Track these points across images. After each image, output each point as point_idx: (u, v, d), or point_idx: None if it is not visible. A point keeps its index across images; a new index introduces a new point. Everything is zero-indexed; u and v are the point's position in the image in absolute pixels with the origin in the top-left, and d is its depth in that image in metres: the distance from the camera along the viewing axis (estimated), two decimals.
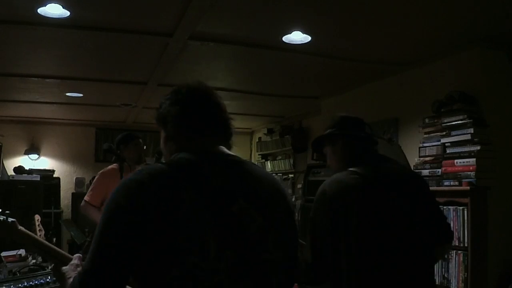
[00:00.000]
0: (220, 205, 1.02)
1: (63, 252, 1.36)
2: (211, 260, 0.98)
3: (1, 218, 1.33)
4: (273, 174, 1.41)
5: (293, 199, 5.86)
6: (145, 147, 3.38)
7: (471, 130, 2.97)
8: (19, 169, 6.47)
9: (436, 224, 1.72)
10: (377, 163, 1.70)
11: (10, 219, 1.34)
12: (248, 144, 8.50)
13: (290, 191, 6.48)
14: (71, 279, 1.12)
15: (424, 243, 1.59)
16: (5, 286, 2.07)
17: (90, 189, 3.41)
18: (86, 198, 3.31)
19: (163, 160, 1.27)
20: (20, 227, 1.36)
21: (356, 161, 1.66)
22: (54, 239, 5.53)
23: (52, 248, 1.35)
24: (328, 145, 1.79)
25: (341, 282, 1.50)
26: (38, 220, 2.71)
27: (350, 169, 1.62)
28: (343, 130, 1.76)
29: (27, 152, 7.11)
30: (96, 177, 3.42)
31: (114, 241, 0.97)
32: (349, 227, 1.49)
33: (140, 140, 3.34)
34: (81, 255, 1.30)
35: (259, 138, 7.93)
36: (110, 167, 3.38)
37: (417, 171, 3.29)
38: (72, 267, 1.23)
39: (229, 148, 1.20)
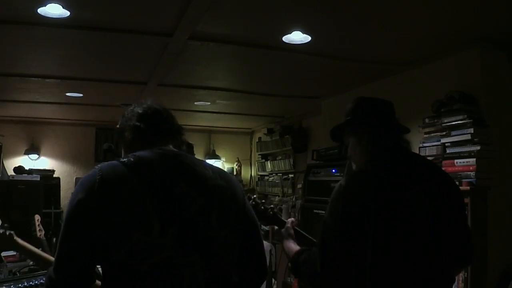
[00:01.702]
0: (162, 189, 1.20)
1: None
2: (155, 236, 1.14)
3: (1, 231, 1.41)
4: (219, 166, 1.54)
5: (293, 199, 5.86)
6: None
7: (471, 130, 2.97)
8: (19, 169, 6.48)
9: (461, 243, 1.55)
10: (407, 162, 1.52)
11: (8, 232, 1.44)
12: (248, 144, 8.50)
13: (290, 191, 6.48)
14: None
15: (446, 261, 1.44)
16: (5, 286, 2.07)
17: None
18: None
19: None
20: (16, 238, 1.46)
21: (383, 158, 1.50)
22: (54, 239, 5.54)
23: (48, 258, 1.44)
24: (351, 135, 1.60)
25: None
26: (38, 220, 2.71)
27: (373, 166, 1.47)
28: (369, 118, 1.56)
29: (27, 152, 7.11)
30: None
31: (76, 233, 1.17)
32: (364, 234, 1.35)
33: None
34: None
35: (259, 138, 7.93)
36: None
37: None
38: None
39: (173, 143, 1.41)
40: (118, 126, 1.46)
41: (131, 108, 1.46)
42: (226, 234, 1.27)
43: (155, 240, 1.14)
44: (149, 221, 1.15)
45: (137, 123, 1.39)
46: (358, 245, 1.37)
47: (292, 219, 1.83)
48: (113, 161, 1.25)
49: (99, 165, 1.24)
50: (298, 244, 1.71)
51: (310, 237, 1.78)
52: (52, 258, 1.42)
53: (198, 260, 1.18)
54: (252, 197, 1.77)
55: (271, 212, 1.80)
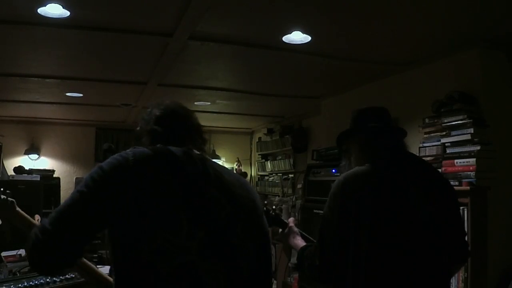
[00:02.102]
0: (194, 190, 1.14)
1: None
2: (183, 237, 1.07)
3: (2, 197, 1.40)
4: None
5: (293, 199, 5.86)
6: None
7: (471, 130, 2.97)
8: (19, 169, 6.47)
9: (457, 241, 1.59)
10: (405, 162, 1.58)
11: (10, 199, 1.42)
12: (248, 144, 8.50)
13: (290, 191, 6.48)
14: None
15: (441, 255, 1.48)
16: (5, 286, 2.07)
17: None
18: None
19: None
20: (18, 208, 1.43)
21: (381, 157, 1.56)
22: None
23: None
24: (352, 142, 1.69)
25: (347, 283, 1.43)
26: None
27: (372, 165, 1.52)
28: (359, 125, 1.66)
29: (27, 152, 7.11)
30: None
31: (88, 202, 1.09)
32: (360, 227, 1.41)
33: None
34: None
35: (259, 138, 7.93)
36: None
37: None
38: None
39: (196, 147, 1.35)
40: (138, 129, 1.42)
41: (149, 110, 1.41)
42: (248, 246, 1.21)
43: (181, 242, 1.07)
44: (179, 221, 1.08)
45: (155, 127, 1.34)
46: (355, 239, 1.41)
47: (292, 218, 1.86)
48: (144, 148, 1.19)
49: (130, 149, 1.18)
50: None
51: (309, 237, 1.80)
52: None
53: (221, 268, 1.12)
54: None
55: (273, 214, 1.82)
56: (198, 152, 1.30)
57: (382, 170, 1.50)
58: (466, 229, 2.82)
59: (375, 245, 1.40)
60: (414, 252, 1.43)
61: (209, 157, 1.33)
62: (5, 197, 1.41)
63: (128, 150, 1.17)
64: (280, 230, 1.81)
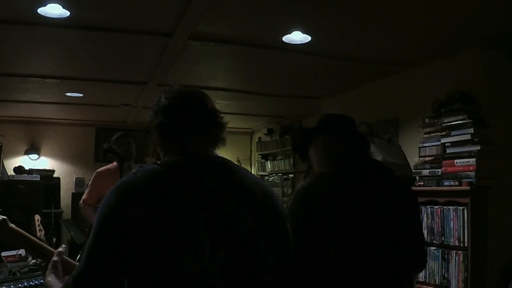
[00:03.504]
0: (212, 206, 1.03)
1: (54, 250, 1.30)
2: (205, 260, 0.98)
3: None
4: (259, 177, 1.41)
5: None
6: (133, 145, 3.44)
7: (471, 130, 2.97)
8: (19, 169, 6.48)
9: (414, 245, 1.58)
10: (366, 167, 1.59)
11: (0, 217, 1.30)
12: (248, 144, 8.50)
13: (290, 191, 6.48)
14: (48, 281, 1.13)
15: (399, 260, 1.49)
16: (5, 286, 2.07)
17: (87, 188, 3.59)
18: (83, 197, 3.48)
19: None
20: (11, 225, 1.31)
21: (338, 163, 1.56)
22: (54, 239, 5.54)
23: (44, 247, 1.31)
24: (311, 145, 1.68)
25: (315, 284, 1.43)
26: (38, 220, 2.71)
27: (334, 169, 1.53)
28: (324, 127, 1.64)
29: (27, 152, 7.11)
30: (92, 177, 3.51)
31: (109, 243, 0.97)
32: (325, 233, 1.41)
33: (128, 139, 3.44)
34: (62, 250, 1.26)
35: (259, 138, 7.93)
36: (106, 166, 3.51)
37: (417, 171, 3.29)
38: (54, 272, 1.18)
39: (218, 147, 1.22)
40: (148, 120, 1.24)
41: (157, 98, 1.23)
42: (271, 260, 1.11)
43: (203, 266, 0.97)
44: (200, 243, 0.98)
45: (163, 120, 1.16)
46: (320, 243, 1.41)
47: None
48: (154, 166, 1.06)
49: (138, 169, 1.05)
50: None
51: None
52: (50, 249, 1.30)
53: (241, 287, 1.04)
54: None
55: None
56: (217, 155, 1.19)
57: (344, 174, 1.52)
58: (466, 229, 2.83)
59: (341, 248, 1.41)
60: (375, 255, 1.44)
61: (229, 160, 1.20)
62: None
63: (137, 171, 1.04)
64: None
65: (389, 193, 1.54)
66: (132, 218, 0.97)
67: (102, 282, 0.97)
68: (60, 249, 1.26)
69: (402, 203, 1.55)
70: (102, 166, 3.63)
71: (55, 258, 1.22)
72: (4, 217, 1.30)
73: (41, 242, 1.33)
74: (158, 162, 1.09)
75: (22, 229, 1.34)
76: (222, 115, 1.22)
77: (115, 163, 3.37)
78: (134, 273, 1.00)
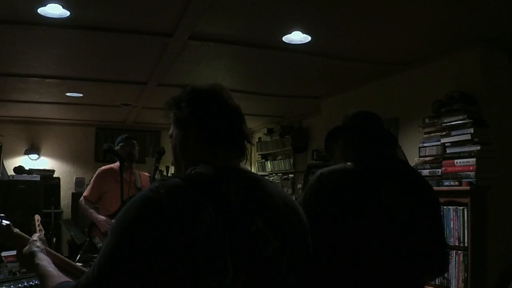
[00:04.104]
0: (238, 226, 0.97)
1: (60, 255, 1.33)
2: (228, 283, 0.93)
3: None
4: (287, 192, 1.34)
5: (293, 199, 5.86)
6: (137, 147, 3.51)
7: (471, 130, 2.97)
8: (19, 169, 6.48)
9: (433, 248, 1.54)
10: (386, 162, 1.58)
11: (5, 222, 1.32)
12: (248, 144, 8.49)
13: (290, 191, 6.48)
14: (43, 265, 1.13)
15: (416, 258, 1.45)
16: (5, 286, 2.07)
17: (89, 185, 3.62)
18: (84, 194, 3.53)
19: (171, 161, 1.22)
20: (16, 230, 1.33)
21: (360, 158, 1.54)
22: (54, 239, 5.54)
23: (49, 251, 1.30)
24: (334, 142, 1.68)
25: (320, 273, 1.39)
26: (38, 220, 2.70)
27: (354, 162, 1.51)
28: (350, 124, 1.65)
29: (27, 152, 7.11)
30: (95, 174, 3.59)
31: (126, 258, 0.90)
32: (334, 221, 1.39)
33: (132, 141, 3.51)
34: (42, 236, 1.28)
35: (259, 138, 7.93)
36: (109, 165, 3.56)
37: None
38: (36, 248, 1.20)
39: (242, 159, 1.15)
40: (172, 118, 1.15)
41: (186, 89, 1.15)
42: (293, 279, 1.07)
43: (227, 287, 0.93)
44: (224, 265, 0.93)
45: (199, 116, 1.08)
46: (330, 234, 1.39)
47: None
48: (176, 180, 0.98)
49: (159, 184, 0.96)
50: None
51: None
52: (51, 251, 1.31)
53: None
54: None
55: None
56: (245, 169, 1.13)
57: (363, 169, 1.50)
58: (466, 229, 2.83)
59: (352, 241, 1.39)
60: (388, 252, 1.41)
61: (256, 174, 1.15)
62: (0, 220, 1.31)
63: (159, 186, 0.95)
64: None
65: (409, 191, 1.51)
66: (153, 235, 0.90)
67: None
68: (36, 234, 1.28)
69: (422, 202, 1.52)
70: (102, 166, 3.66)
71: (34, 238, 1.25)
72: (8, 222, 1.31)
73: (54, 252, 1.32)
74: (181, 176, 1.01)
75: (22, 229, 1.35)
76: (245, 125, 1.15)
77: (117, 163, 3.40)
78: None
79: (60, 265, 1.25)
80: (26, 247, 1.22)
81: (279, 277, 1.02)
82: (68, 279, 1.04)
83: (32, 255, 1.20)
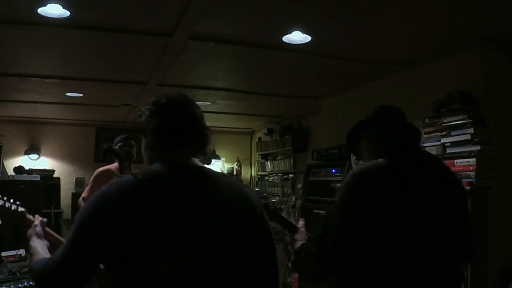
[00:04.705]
0: (182, 216, 1.11)
1: (57, 236, 1.54)
2: (174, 266, 1.07)
3: (13, 208, 1.55)
4: (245, 186, 1.42)
5: (293, 199, 5.86)
6: (135, 147, 3.58)
7: (471, 130, 2.97)
8: (19, 169, 6.48)
9: (463, 238, 1.57)
10: (418, 158, 1.58)
11: (20, 209, 1.55)
12: (248, 144, 8.50)
13: (290, 191, 6.48)
14: (35, 246, 1.34)
15: (449, 254, 1.47)
16: (5, 286, 2.07)
17: (87, 186, 3.71)
18: (83, 195, 3.58)
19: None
20: (29, 216, 1.56)
21: (395, 152, 1.54)
22: None
23: (59, 239, 1.52)
24: (361, 137, 1.68)
25: (352, 278, 1.42)
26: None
27: (387, 160, 1.50)
28: (374, 120, 1.65)
29: (27, 152, 7.11)
30: (93, 175, 3.58)
31: (83, 243, 1.11)
32: (371, 219, 1.39)
33: (131, 141, 3.60)
34: (44, 219, 1.52)
35: (259, 138, 7.93)
36: (107, 166, 3.58)
37: None
38: (34, 232, 1.43)
39: (204, 156, 1.30)
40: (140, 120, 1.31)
41: (152, 100, 1.29)
42: (242, 265, 1.19)
43: (173, 270, 1.07)
44: (170, 250, 1.07)
45: (154, 124, 1.24)
46: (365, 231, 1.39)
47: (303, 221, 1.78)
48: (129, 177, 1.16)
49: (115, 181, 1.16)
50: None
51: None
52: (60, 238, 1.50)
53: None
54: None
55: (272, 208, 1.78)
56: (199, 165, 1.26)
57: (397, 164, 1.50)
58: None
59: (385, 238, 1.39)
60: (423, 247, 1.42)
61: (205, 168, 1.27)
62: (15, 207, 1.52)
63: (112, 184, 1.14)
64: (289, 235, 1.74)
65: (439, 185, 1.52)
66: (104, 227, 1.08)
67: (68, 275, 1.11)
68: (40, 219, 1.51)
69: (451, 195, 1.54)
70: (102, 166, 3.68)
71: (36, 222, 1.47)
72: (23, 209, 1.55)
73: (53, 232, 1.55)
74: (136, 174, 1.16)
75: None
76: (207, 126, 1.31)
77: (116, 164, 3.43)
78: (113, 274, 1.12)
79: (57, 244, 1.42)
80: (29, 231, 1.45)
81: (226, 262, 1.15)
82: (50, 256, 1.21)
83: (29, 237, 1.41)
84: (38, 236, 1.42)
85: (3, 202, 1.53)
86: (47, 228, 1.52)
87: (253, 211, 1.27)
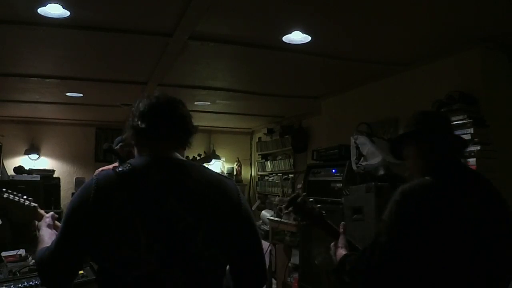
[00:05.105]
0: (152, 205, 1.22)
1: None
2: (142, 252, 1.18)
3: (26, 203, 1.65)
4: (227, 178, 1.46)
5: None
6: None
7: (471, 130, 2.97)
8: (19, 169, 6.48)
9: (509, 256, 1.56)
10: (463, 174, 1.59)
11: (33, 204, 1.66)
12: (248, 144, 8.50)
13: (290, 191, 6.48)
14: (42, 235, 1.49)
15: (494, 271, 1.49)
16: (5, 286, 2.07)
17: None
18: None
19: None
20: (40, 210, 1.67)
21: (442, 169, 1.55)
22: None
23: (57, 225, 1.59)
24: (412, 145, 1.65)
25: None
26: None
27: (434, 177, 1.51)
28: (433, 129, 1.62)
29: (27, 152, 7.11)
30: (94, 175, 3.55)
31: (70, 232, 1.25)
32: (419, 239, 1.41)
33: (132, 141, 3.48)
34: (56, 215, 1.66)
35: (259, 138, 7.93)
36: (108, 166, 3.54)
37: None
38: (44, 223, 1.59)
39: (182, 150, 1.40)
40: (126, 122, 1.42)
41: (137, 102, 1.39)
42: (213, 251, 1.28)
43: (141, 256, 1.18)
44: (137, 237, 1.18)
45: (138, 122, 1.33)
46: (412, 247, 1.42)
47: (343, 223, 1.79)
48: (110, 171, 1.28)
49: (96, 174, 1.30)
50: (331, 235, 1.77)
51: (357, 246, 1.77)
52: None
53: (181, 275, 1.22)
54: (302, 195, 1.77)
55: (317, 212, 1.78)
56: (173, 158, 1.35)
57: (445, 184, 1.51)
58: None
59: (432, 258, 1.42)
60: (470, 267, 1.44)
61: (182, 161, 1.37)
62: (28, 202, 1.62)
63: (94, 176, 1.28)
64: (333, 242, 1.73)
65: (484, 200, 1.53)
66: (83, 215, 1.22)
67: (62, 259, 1.26)
68: (51, 212, 1.67)
69: (496, 212, 1.55)
70: (102, 166, 3.66)
71: (47, 216, 1.63)
72: (36, 204, 1.67)
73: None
74: (116, 168, 1.29)
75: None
76: (191, 120, 1.40)
77: (116, 164, 3.42)
78: (96, 260, 1.30)
79: None
80: (39, 222, 1.60)
81: (194, 249, 1.24)
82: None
83: (39, 227, 1.57)
84: (48, 226, 1.56)
85: (18, 198, 1.63)
86: (56, 222, 1.64)
87: (229, 199, 1.35)
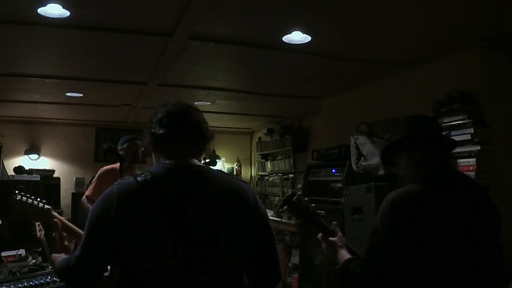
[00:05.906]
0: (175, 212, 1.25)
1: (76, 229, 1.71)
2: (166, 258, 1.22)
3: (40, 205, 1.67)
4: (243, 182, 1.49)
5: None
6: (142, 148, 3.59)
7: (471, 130, 2.97)
8: (19, 169, 6.47)
9: (494, 260, 1.60)
10: (453, 180, 1.61)
11: (46, 206, 1.68)
12: (248, 144, 8.50)
13: (290, 191, 6.47)
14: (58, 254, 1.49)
15: (480, 275, 1.52)
16: (5, 286, 2.07)
17: (91, 185, 3.72)
18: (86, 193, 3.63)
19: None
20: (54, 213, 1.69)
21: (432, 175, 1.56)
22: None
23: (78, 231, 1.66)
24: (402, 153, 1.66)
25: None
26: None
27: (423, 183, 1.53)
28: (424, 133, 1.63)
29: (27, 152, 7.11)
30: (97, 174, 3.61)
31: (94, 239, 1.28)
32: (409, 246, 1.44)
33: (137, 142, 3.62)
34: (64, 220, 1.69)
35: (259, 138, 7.94)
36: (111, 165, 3.60)
37: None
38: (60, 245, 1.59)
39: (198, 156, 1.44)
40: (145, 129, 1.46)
41: (154, 110, 1.44)
42: (234, 255, 1.31)
43: (165, 262, 1.22)
44: (161, 244, 1.22)
45: (156, 129, 1.38)
46: (404, 255, 1.45)
47: (335, 223, 1.81)
48: (130, 179, 1.30)
49: (117, 183, 1.31)
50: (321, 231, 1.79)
51: (353, 249, 1.79)
52: (79, 230, 1.66)
53: (203, 280, 1.25)
54: (297, 194, 1.78)
55: (312, 211, 1.78)
56: (192, 164, 1.38)
57: (435, 189, 1.53)
58: None
59: (424, 263, 1.45)
60: (460, 269, 1.48)
61: (201, 167, 1.40)
62: (42, 205, 1.64)
63: (115, 186, 1.30)
64: (330, 238, 1.75)
65: (474, 206, 1.55)
66: (106, 224, 1.25)
67: (88, 264, 1.29)
68: (55, 219, 1.65)
69: (485, 216, 1.58)
70: (103, 166, 3.71)
71: (55, 233, 1.61)
72: (49, 207, 1.69)
73: (74, 227, 1.71)
74: (136, 176, 1.31)
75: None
76: (207, 126, 1.44)
77: (118, 164, 3.44)
78: (118, 266, 1.29)
79: (77, 236, 1.64)
80: (54, 237, 1.60)
81: (216, 254, 1.27)
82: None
83: (54, 242, 1.58)
84: (63, 247, 1.58)
85: (31, 200, 1.66)
86: (66, 221, 1.71)
87: (247, 203, 1.39)
